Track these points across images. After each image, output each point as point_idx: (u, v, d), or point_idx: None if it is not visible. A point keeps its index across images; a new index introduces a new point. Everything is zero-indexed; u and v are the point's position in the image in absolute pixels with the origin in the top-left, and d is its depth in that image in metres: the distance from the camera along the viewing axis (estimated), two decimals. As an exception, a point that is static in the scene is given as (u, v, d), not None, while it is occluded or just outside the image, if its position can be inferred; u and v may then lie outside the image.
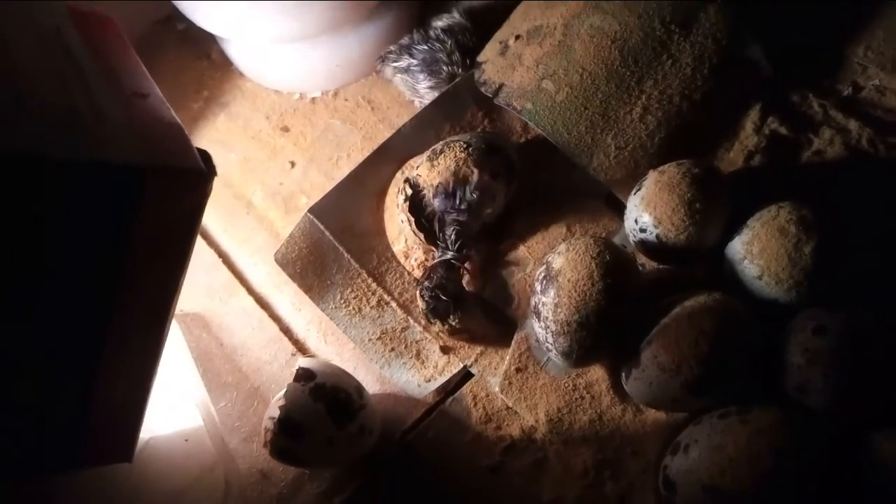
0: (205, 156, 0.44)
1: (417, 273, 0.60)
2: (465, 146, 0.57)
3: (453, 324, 0.55)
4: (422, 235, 0.58)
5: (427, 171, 0.57)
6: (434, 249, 0.57)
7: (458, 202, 0.56)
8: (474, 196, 0.57)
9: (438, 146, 0.58)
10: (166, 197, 0.42)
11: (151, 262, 0.43)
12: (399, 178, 0.63)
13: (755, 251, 0.51)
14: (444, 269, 0.57)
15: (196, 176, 0.43)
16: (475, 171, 0.56)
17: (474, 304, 0.58)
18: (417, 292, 0.57)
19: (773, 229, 0.51)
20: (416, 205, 0.58)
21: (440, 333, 0.57)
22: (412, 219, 0.58)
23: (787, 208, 0.51)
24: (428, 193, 0.57)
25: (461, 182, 0.56)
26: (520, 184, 0.60)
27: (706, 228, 0.52)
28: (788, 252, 0.50)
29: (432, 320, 0.56)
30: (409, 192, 0.58)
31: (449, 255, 0.57)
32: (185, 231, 0.44)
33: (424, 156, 0.63)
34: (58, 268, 0.40)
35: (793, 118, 0.61)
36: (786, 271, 0.50)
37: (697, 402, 0.50)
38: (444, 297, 0.55)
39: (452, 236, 0.57)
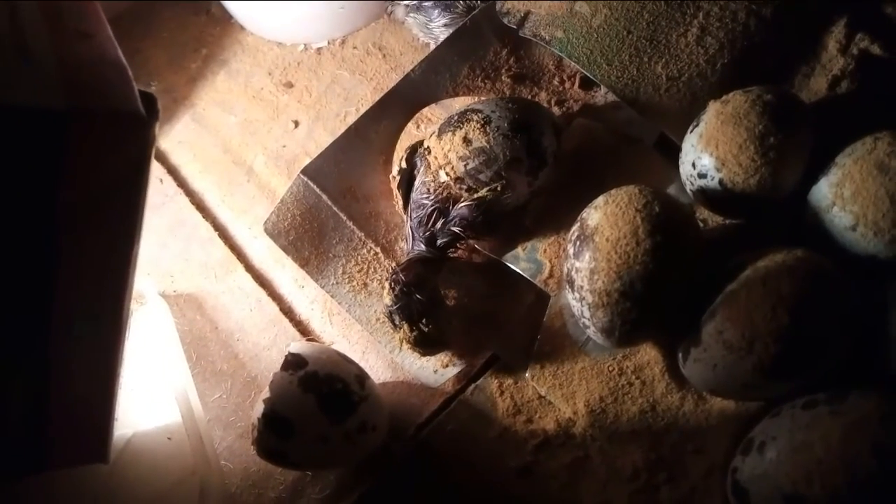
0: (148, 99, 0.37)
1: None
2: (482, 122, 0.47)
3: (424, 330, 0.47)
4: (407, 222, 0.50)
5: (436, 143, 0.48)
6: (416, 238, 0.49)
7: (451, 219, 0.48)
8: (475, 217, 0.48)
9: (455, 116, 0.48)
10: (99, 145, 0.35)
11: (91, 224, 0.37)
12: (412, 131, 0.55)
13: (847, 195, 0.40)
14: (423, 266, 0.48)
15: (133, 121, 0.35)
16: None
17: (451, 313, 0.49)
18: (387, 283, 0.47)
19: (870, 165, 0.40)
20: (410, 182, 0.50)
21: (403, 340, 0.47)
22: (400, 198, 0.50)
23: (887, 139, 0.41)
24: (428, 175, 0.49)
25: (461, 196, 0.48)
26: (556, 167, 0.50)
27: (783, 169, 0.41)
28: (891, 194, 0.39)
29: (398, 322, 0.47)
30: (404, 165, 0.50)
31: (428, 253, 0.48)
32: (129, 187, 0.37)
33: (438, 106, 0.54)
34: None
35: (886, 34, 0.49)
36: (887, 218, 0.39)
37: (775, 388, 0.40)
38: (418, 297, 0.46)
39: (443, 238, 0.48)
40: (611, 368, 0.45)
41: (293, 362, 0.44)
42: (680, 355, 0.42)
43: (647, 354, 0.45)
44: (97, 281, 0.39)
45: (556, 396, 0.46)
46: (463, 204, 0.47)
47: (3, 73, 0.33)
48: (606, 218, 0.41)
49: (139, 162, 0.36)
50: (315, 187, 0.51)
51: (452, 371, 0.49)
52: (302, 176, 0.51)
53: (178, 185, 0.62)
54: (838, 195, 0.41)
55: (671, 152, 0.48)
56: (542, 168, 0.49)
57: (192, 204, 0.61)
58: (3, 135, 0.32)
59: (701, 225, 0.47)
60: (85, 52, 0.38)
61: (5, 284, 0.36)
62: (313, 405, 0.42)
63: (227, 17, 0.70)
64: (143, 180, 0.37)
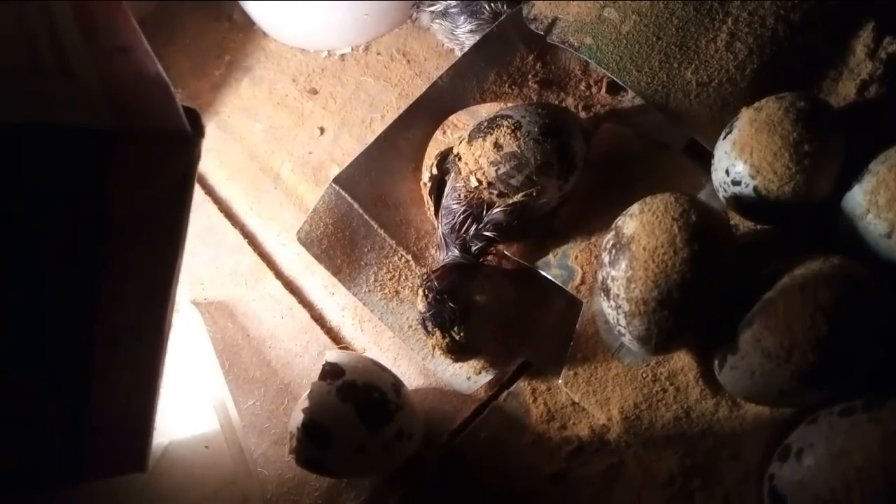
0: (192, 115, 0.37)
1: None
2: (513, 127, 0.47)
3: (456, 337, 0.47)
4: (438, 227, 0.50)
5: (466, 149, 0.48)
6: (450, 244, 0.49)
7: (483, 224, 0.48)
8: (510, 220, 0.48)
9: (484, 122, 0.49)
10: (145, 165, 0.35)
11: (137, 242, 0.37)
12: (439, 137, 0.55)
13: (881, 202, 0.40)
14: (458, 272, 0.48)
15: (179, 139, 0.35)
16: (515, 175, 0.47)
17: (483, 320, 0.49)
18: (420, 290, 0.48)
19: (905, 173, 0.40)
20: (441, 188, 0.50)
21: (436, 347, 0.48)
22: (432, 205, 0.51)
23: (921, 146, 0.41)
24: (458, 181, 0.49)
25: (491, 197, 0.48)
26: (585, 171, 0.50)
27: (817, 176, 0.41)
28: (926, 202, 0.39)
29: (431, 329, 0.48)
30: (435, 172, 0.50)
31: (463, 259, 0.48)
32: (174, 205, 0.37)
33: (465, 113, 0.55)
34: (23, 255, 0.34)
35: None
36: (924, 226, 0.39)
37: (812, 396, 0.40)
38: (451, 304, 0.47)
39: (476, 244, 0.48)
40: (644, 375, 0.46)
41: (331, 372, 0.44)
42: (716, 362, 0.42)
43: (681, 361, 0.45)
44: (141, 296, 0.39)
45: (589, 403, 0.46)
46: (498, 209, 0.48)
47: (49, 93, 0.33)
48: (643, 226, 0.41)
49: (184, 179, 0.37)
50: (347, 196, 0.52)
51: (485, 378, 0.49)
52: (334, 185, 0.52)
53: (206, 193, 0.62)
54: (872, 202, 0.41)
55: (700, 157, 0.49)
56: (573, 172, 0.49)
57: (221, 211, 0.61)
58: (52, 155, 0.32)
59: (734, 229, 0.47)
60: (125, 69, 0.38)
61: (53, 300, 0.36)
62: (352, 415, 0.43)
63: (249, 24, 0.70)
64: (188, 197, 0.38)
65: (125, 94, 0.35)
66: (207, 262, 0.59)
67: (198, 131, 0.36)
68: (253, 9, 0.67)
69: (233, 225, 0.61)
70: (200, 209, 0.62)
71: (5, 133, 0.31)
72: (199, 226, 0.61)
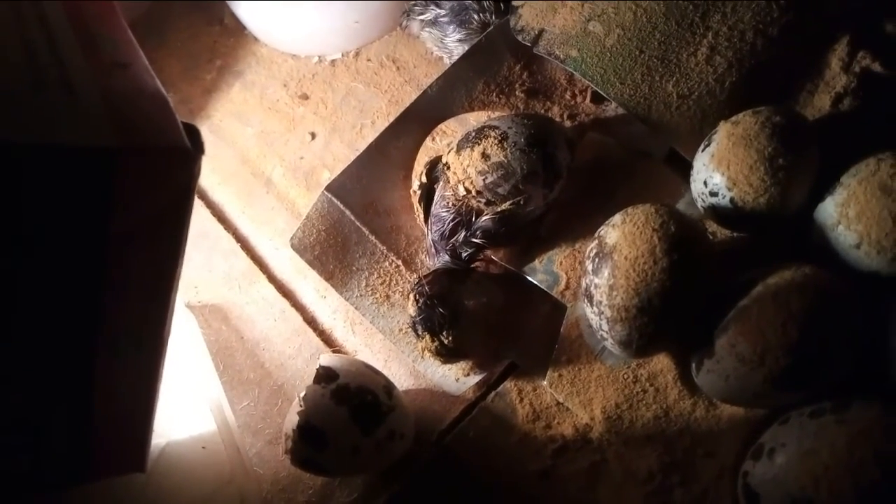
0: (191, 131, 0.38)
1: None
2: (500, 137, 0.49)
3: (445, 340, 0.49)
4: (428, 234, 0.52)
5: (454, 159, 0.50)
6: (440, 250, 0.51)
7: (471, 232, 0.50)
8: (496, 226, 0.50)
9: (472, 132, 0.50)
10: (146, 181, 0.36)
11: (138, 256, 0.38)
12: (429, 144, 0.56)
13: (851, 214, 0.42)
14: (448, 277, 0.50)
15: (180, 155, 0.36)
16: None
17: (472, 323, 0.51)
18: (412, 295, 0.50)
19: (873, 187, 0.42)
20: (430, 196, 0.52)
21: (426, 350, 0.50)
22: (422, 212, 0.52)
23: (890, 160, 0.43)
24: (447, 189, 0.51)
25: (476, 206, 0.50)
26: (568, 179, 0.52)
27: (791, 189, 0.43)
28: (893, 214, 0.41)
29: (421, 333, 0.50)
30: (424, 180, 0.52)
31: (453, 265, 0.50)
32: (174, 218, 0.39)
33: (454, 121, 0.56)
34: (29, 268, 0.35)
35: (887, 52, 0.50)
36: (890, 238, 0.41)
37: (784, 398, 0.42)
38: (440, 309, 0.49)
39: (466, 250, 0.50)
40: (626, 376, 0.48)
41: (325, 375, 0.46)
42: (693, 366, 0.44)
43: (661, 363, 0.47)
44: (142, 304, 0.40)
45: (573, 403, 0.48)
46: (487, 217, 0.49)
47: (51, 111, 0.34)
48: (624, 237, 0.43)
49: (184, 194, 0.38)
50: (339, 203, 0.53)
51: (473, 379, 0.51)
52: (326, 193, 0.53)
53: (199, 197, 0.63)
54: (843, 214, 0.43)
55: (681, 167, 0.51)
56: (558, 181, 0.51)
57: (214, 216, 0.62)
58: (54, 172, 0.33)
59: (710, 237, 0.49)
60: (124, 84, 0.39)
61: (58, 310, 0.37)
62: (346, 417, 0.44)
63: (240, 28, 0.71)
64: (188, 211, 0.39)
65: (125, 111, 0.36)
66: (201, 266, 0.61)
67: (197, 147, 0.37)
68: (244, 14, 0.68)
69: (225, 229, 0.62)
70: (193, 214, 0.62)
71: (10, 151, 0.32)
72: (193, 230, 0.60)
